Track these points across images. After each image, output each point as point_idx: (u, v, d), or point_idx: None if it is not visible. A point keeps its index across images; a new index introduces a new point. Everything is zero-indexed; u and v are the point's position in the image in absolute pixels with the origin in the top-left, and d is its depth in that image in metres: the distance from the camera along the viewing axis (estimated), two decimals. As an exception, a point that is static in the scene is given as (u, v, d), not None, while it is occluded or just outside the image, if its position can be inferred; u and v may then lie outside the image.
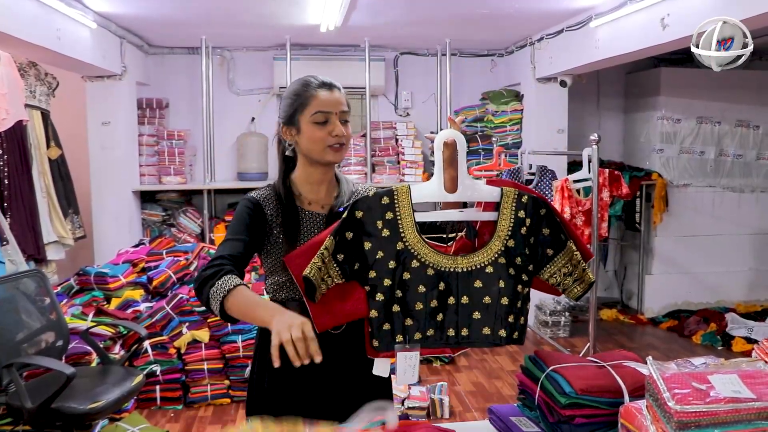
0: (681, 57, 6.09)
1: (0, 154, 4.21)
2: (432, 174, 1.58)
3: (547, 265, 1.57)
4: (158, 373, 4.02)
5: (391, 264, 1.51)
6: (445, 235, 1.64)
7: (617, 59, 4.72)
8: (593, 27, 4.65)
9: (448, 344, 1.56)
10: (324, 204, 1.83)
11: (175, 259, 4.74)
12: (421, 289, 1.52)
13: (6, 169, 4.24)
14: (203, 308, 4.15)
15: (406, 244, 1.52)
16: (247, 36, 5.70)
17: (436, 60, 6.19)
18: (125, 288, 4.36)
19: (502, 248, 1.55)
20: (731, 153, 6.29)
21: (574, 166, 5.62)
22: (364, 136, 6.04)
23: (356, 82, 5.85)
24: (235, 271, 1.62)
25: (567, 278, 1.57)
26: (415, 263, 1.52)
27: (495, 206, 1.58)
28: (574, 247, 1.57)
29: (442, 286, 1.53)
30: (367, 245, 1.51)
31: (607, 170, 4.75)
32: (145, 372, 3.78)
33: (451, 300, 1.54)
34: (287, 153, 1.83)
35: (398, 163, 6.15)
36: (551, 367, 1.53)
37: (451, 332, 1.55)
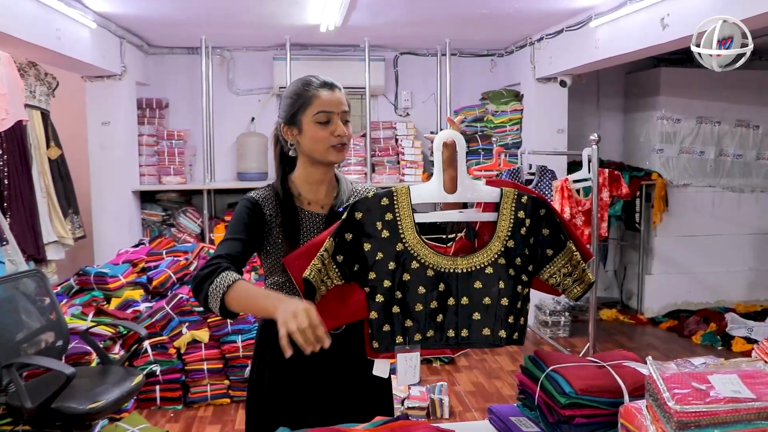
0: (681, 57, 6.09)
1: (0, 154, 4.21)
2: (432, 174, 1.58)
3: (547, 266, 1.57)
4: (158, 373, 4.02)
5: (391, 265, 1.51)
6: (444, 236, 1.64)
7: (617, 59, 4.72)
8: (593, 27, 4.65)
9: (448, 345, 1.57)
10: (324, 204, 1.83)
11: (175, 259, 4.74)
12: (421, 290, 1.52)
13: (6, 169, 4.24)
14: (203, 308, 4.15)
15: (406, 245, 1.52)
16: (247, 36, 5.70)
17: (436, 60, 6.19)
18: (125, 288, 4.36)
19: (502, 249, 1.55)
20: (731, 153, 6.29)
21: (573, 166, 5.62)
22: (364, 136, 6.04)
23: (356, 82, 5.85)
24: (233, 268, 1.62)
25: (567, 278, 1.57)
26: (414, 264, 1.52)
27: (494, 207, 1.58)
28: (574, 248, 1.57)
29: (441, 287, 1.53)
30: (367, 246, 1.51)
31: (606, 170, 4.75)
32: (144, 372, 3.78)
33: (451, 301, 1.53)
34: (290, 153, 1.82)
35: (398, 163, 6.15)
36: (551, 367, 1.53)
37: (451, 333, 1.55)
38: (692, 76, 6.02)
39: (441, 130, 1.60)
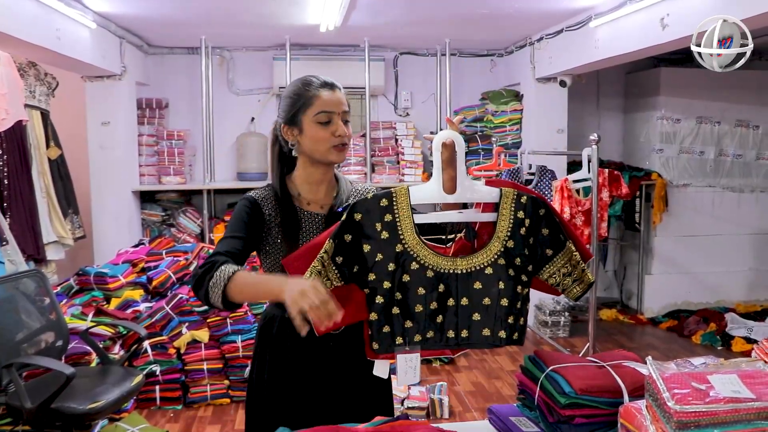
0: (681, 57, 6.09)
1: (0, 154, 4.21)
2: (432, 174, 1.58)
3: (547, 265, 1.57)
4: (158, 373, 4.02)
5: (391, 266, 1.51)
6: (444, 237, 1.64)
7: (617, 59, 4.72)
8: (593, 27, 4.65)
9: (448, 346, 1.56)
10: (323, 204, 1.83)
11: (175, 259, 4.74)
12: (421, 291, 1.51)
13: (6, 169, 4.24)
14: (203, 308, 4.16)
15: (406, 246, 1.52)
16: (246, 36, 5.70)
17: (436, 60, 6.19)
18: (125, 288, 4.36)
19: (502, 249, 1.55)
20: (731, 153, 6.29)
21: (573, 166, 5.62)
22: (364, 136, 6.04)
23: (356, 82, 5.85)
24: (231, 262, 1.62)
25: (566, 278, 1.57)
26: (414, 265, 1.51)
27: (494, 207, 1.57)
28: (573, 248, 1.57)
29: (441, 287, 1.52)
30: (366, 248, 1.51)
31: (606, 170, 4.75)
32: (144, 372, 3.77)
33: (451, 302, 1.53)
34: (293, 153, 1.82)
35: (398, 163, 6.15)
36: (551, 367, 1.53)
37: (451, 334, 1.55)
38: (692, 76, 6.02)
39: (441, 130, 1.59)
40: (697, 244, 6.27)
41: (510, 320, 1.55)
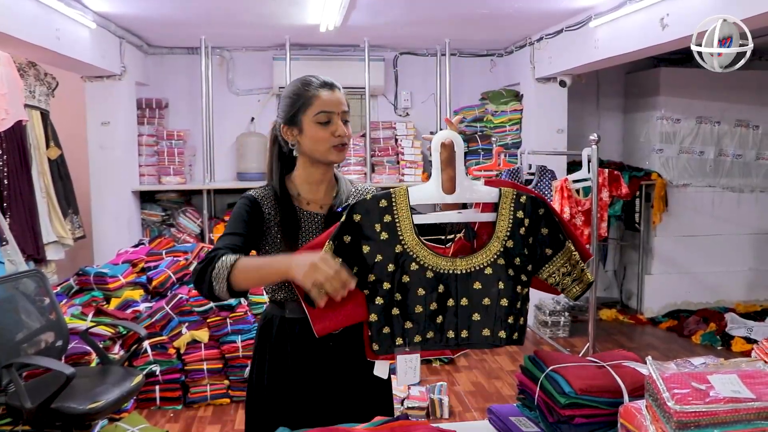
0: (680, 57, 6.09)
1: (0, 154, 4.22)
2: (431, 174, 1.58)
3: (546, 265, 1.57)
4: (158, 373, 4.02)
5: (390, 267, 1.51)
6: (443, 237, 1.64)
7: (617, 59, 4.72)
8: (593, 27, 4.65)
9: (447, 346, 1.56)
10: (323, 204, 1.83)
11: (175, 259, 4.74)
12: (421, 291, 1.51)
13: (5, 170, 4.24)
14: (203, 308, 4.15)
15: (405, 247, 1.52)
16: (246, 36, 5.70)
17: (436, 60, 6.19)
18: (125, 288, 4.36)
19: (501, 249, 1.55)
20: (731, 153, 6.29)
21: (573, 166, 5.62)
22: (364, 136, 6.04)
23: (356, 82, 5.85)
24: (231, 253, 1.60)
25: (566, 278, 1.57)
26: (414, 266, 1.51)
27: (493, 207, 1.57)
28: (573, 247, 1.57)
29: (441, 288, 1.52)
30: (366, 249, 1.50)
31: (606, 170, 4.75)
32: (144, 372, 3.78)
33: (451, 302, 1.53)
34: (294, 153, 1.82)
35: (398, 163, 6.15)
36: (551, 367, 1.53)
37: (451, 334, 1.54)
38: (692, 76, 6.03)
39: (441, 130, 1.59)
40: (697, 244, 6.27)
41: (510, 320, 1.55)
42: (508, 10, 4.68)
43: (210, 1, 4.45)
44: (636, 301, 6.36)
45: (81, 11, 4.32)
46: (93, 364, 3.63)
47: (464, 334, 1.55)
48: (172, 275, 4.55)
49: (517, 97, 6.01)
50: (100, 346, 3.58)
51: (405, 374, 1.54)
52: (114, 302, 4.22)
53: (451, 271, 1.53)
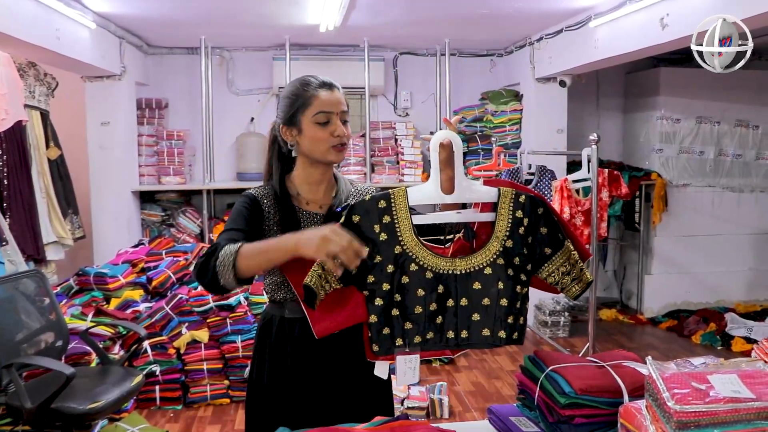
0: (680, 57, 6.09)
1: (0, 154, 4.22)
2: (430, 174, 1.58)
3: (545, 264, 1.57)
4: (158, 373, 4.02)
5: (390, 268, 1.51)
6: (443, 237, 1.63)
7: (617, 59, 4.72)
8: (592, 27, 4.65)
9: (447, 346, 1.56)
10: (322, 204, 1.83)
11: (175, 259, 4.74)
12: (420, 292, 1.51)
13: (5, 170, 4.24)
14: (203, 308, 4.15)
15: (404, 247, 1.51)
16: (246, 36, 5.70)
17: (436, 60, 6.19)
18: (125, 288, 4.36)
19: (501, 249, 1.55)
20: (731, 153, 6.29)
21: (573, 166, 5.62)
22: (364, 136, 6.04)
23: (355, 82, 5.85)
24: (232, 244, 1.59)
25: (565, 277, 1.57)
26: (413, 267, 1.51)
27: (492, 207, 1.57)
28: (572, 247, 1.57)
29: (440, 288, 1.52)
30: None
31: (606, 170, 4.75)
32: (144, 372, 3.77)
33: (450, 302, 1.53)
34: (293, 154, 1.82)
35: (397, 163, 6.15)
36: (551, 367, 1.53)
37: (451, 334, 1.54)
38: (692, 76, 6.02)
39: (440, 130, 1.59)
40: (697, 244, 6.27)
41: (510, 320, 1.55)
42: (508, 10, 4.68)
43: (210, 1, 4.45)
44: (636, 301, 6.36)
45: (81, 11, 4.32)
46: (93, 364, 3.63)
47: (464, 334, 1.55)
48: (171, 275, 4.55)
49: (517, 97, 6.01)
50: (100, 346, 3.58)
51: (404, 374, 1.54)
52: (114, 302, 4.22)
53: (450, 272, 1.53)
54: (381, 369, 1.66)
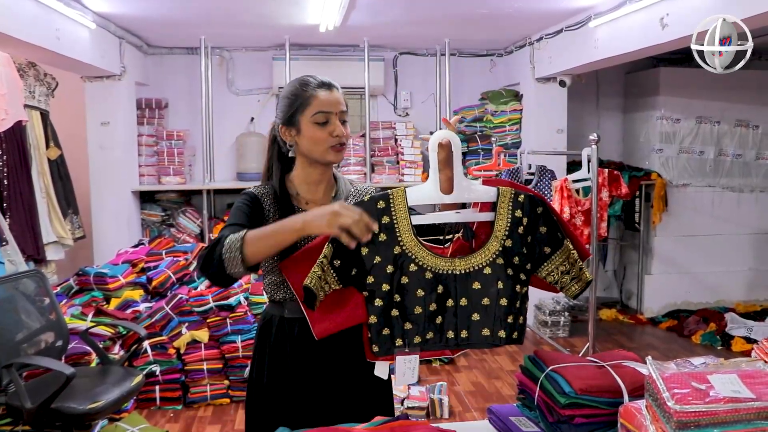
0: (680, 57, 6.09)
1: (0, 154, 4.22)
2: (429, 174, 1.58)
3: (545, 263, 1.57)
4: (158, 373, 4.02)
5: (389, 269, 1.50)
6: (442, 237, 1.63)
7: (616, 59, 4.72)
8: (592, 27, 4.65)
9: (447, 346, 1.56)
10: (321, 204, 1.82)
11: (175, 259, 4.74)
12: (420, 292, 1.51)
13: (5, 170, 4.24)
14: (203, 308, 4.15)
15: (404, 248, 1.51)
16: (246, 36, 5.70)
17: (436, 60, 6.19)
18: (125, 288, 4.36)
19: (500, 249, 1.54)
20: (731, 153, 6.29)
21: (573, 165, 5.62)
22: (363, 136, 6.03)
23: (355, 82, 5.85)
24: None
25: (564, 276, 1.57)
26: (413, 267, 1.51)
27: (491, 206, 1.57)
28: (571, 246, 1.57)
29: (440, 289, 1.52)
30: (365, 250, 1.50)
31: (606, 170, 4.75)
32: (144, 372, 3.77)
33: (450, 302, 1.53)
34: (290, 154, 1.82)
35: (397, 163, 6.15)
36: (551, 367, 1.53)
37: (451, 334, 1.54)
38: (692, 75, 6.02)
39: (439, 130, 1.58)
40: (697, 244, 6.27)
41: (509, 320, 1.55)
42: (507, 10, 4.68)
43: (210, 1, 4.45)
44: (636, 301, 6.36)
45: (81, 11, 4.32)
46: (93, 364, 3.63)
47: (464, 334, 1.55)
48: (171, 275, 4.55)
49: (517, 97, 6.01)
50: (100, 346, 3.58)
51: (403, 374, 1.54)
52: (114, 302, 4.22)
53: (450, 272, 1.53)
54: (381, 369, 1.66)
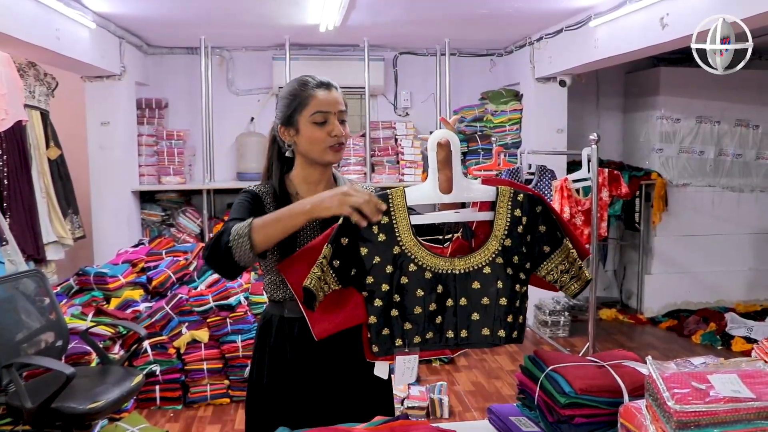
0: (680, 56, 6.09)
1: (0, 154, 4.22)
2: (428, 174, 1.58)
3: (544, 263, 1.57)
4: (158, 373, 4.02)
5: (389, 269, 1.50)
6: (441, 237, 1.63)
7: (616, 59, 4.72)
8: (592, 27, 4.65)
9: (447, 346, 1.56)
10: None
11: (175, 259, 4.74)
12: (419, 292, 1.51)
13: (5, 170, 4.24)
14: (203, 308, 4.15)
15: (403, 248, 1.51)
16: (246, 36, 5.70)
17: (436, 60, 6.19)
18: (125, 288, 4.36)
19: (499, 248, 1.54)
20: (731, 152, 6.29)
21: (573, 165, 5.62)
22: (364, 135, 6.03)
23: (355, 82, 5.84)
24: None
25: (564, 275, 1.57)
26: (412, 267, 1.51)
27: (491, 206, 1.57)
28: (570, 245, 1.57)
29: (440, 288, 1.52)
30: (364, 251, 1.50)
31: (606, 170, 4.75)
32: (144, 372, 3.77)
33: (450, 302, 1.53)
34: (287, 154, 1.82)
35: (397, 162, 6.15)
36: (551, 367, 1.53)
37: (450, 334, 1.54)
38: (692, 75, 6.01)
39: (438, 129, 1.58)
40: (697, 243, 6.27)
41: (509, 319, 1.55)
42: (507, 10, 4.68)
43: (210, 1, 4.45)
44: (636, 301, 6.36)
45: (81, 11, 4.32)
46: (93, 364, 3.63)
47: (464, 333, 1.54)
48: (172, 275, 4.55)
49: (517, 96, 6.01)
50: (100, 346, 3.58)
51: (402, 374, 1.54)
52: (114, 302, 4.22)
53: (449, 271, 1.52)
54: (381, 369, 1.65)
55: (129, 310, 4.14)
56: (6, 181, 4.23)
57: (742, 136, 6.29)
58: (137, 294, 4.33)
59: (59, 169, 4.87)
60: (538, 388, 1.53)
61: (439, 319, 1.53)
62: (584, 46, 4.83)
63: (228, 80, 6.19)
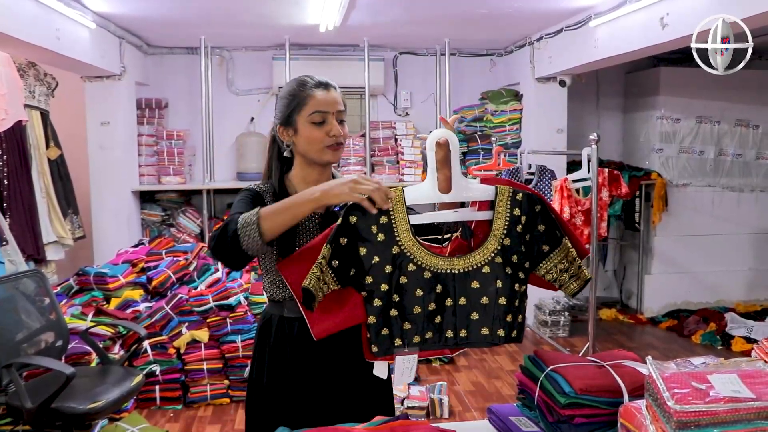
0: (680, 56, 6.09)
1: (0, 154, 4.22)
2: (427, 173, 1.57)
3: (543, 262, 1.57)
4: (158, 373, 4.02)
5: (388, 269, 1.50)
6: (440, 236, 1.63)
7: (616, 59, 4.72)
8: (592, 26, 4.65)
9: (446, 346, 1.56)
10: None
11: (175, 259, 4.74)
12: (419, 292, 1.51)
13: (5, 170, 4.24)
14: (203, 308, 4.15)
15: (402, 247, 1.51)
16: (246, 36, 5.70)
17: (436, 60, 6.19)
18: (125, 288, 4.36)
19: (499, 247, 1.54)
20: (731, 152, 6.29)
21: (573, 165, 5.61)
22: (364, 135, 6.03)
23: (355, 82, 5.83)
24: None
25: (563, 274, 1.57)
26: (411, 267, 1.51)
27: (490, 205, 1.57)
28: (570, 244, 1.57)
29: (439, 288, 1.52)
30: (363, 251, 1.50)
31: (606, 170, 4.75)
32: (144, 372, 3.78)
33: (449, 302, 1.53)
34: (285, 154, 1.82)
35: (397, 162, 6.15)
36: (551, 367, 1.53)
37: (450, 334, 1.54)
38: (692, 75, 6.00)
39: (437, 129, 1.58)
40: (697, 243, 6.27)
41: (508, 318, 1.55)
42: (507, 10, 4.68)
43: (210, 1, 4.45)
44: (636, 301, 6.36)
45: (81, 11, 4.32)
46: (93, 364, 3.63)
47: (463, 333, 1.54)
48: (172, 275, 4.55)
49: (517, 96, 6.01)
50: (100, 346, 3.58)
51: (402, 374, 1.54)
52: (114, 302, 4.22)
53: (448, 271, 1.52)
54: (380, 369, 1.65)
55: (129, 310, 4.14)
56: (6, 181, 4.24)
57: (742, 136, 6.29)
58: (137, 294, 4.33)
59: (59, 169, 4.87)
60: (538, 388, 1.53)
61: (438, 319, 1.53)
62: (584, 46, 4.83)
63: (228, 80, 6.19)
